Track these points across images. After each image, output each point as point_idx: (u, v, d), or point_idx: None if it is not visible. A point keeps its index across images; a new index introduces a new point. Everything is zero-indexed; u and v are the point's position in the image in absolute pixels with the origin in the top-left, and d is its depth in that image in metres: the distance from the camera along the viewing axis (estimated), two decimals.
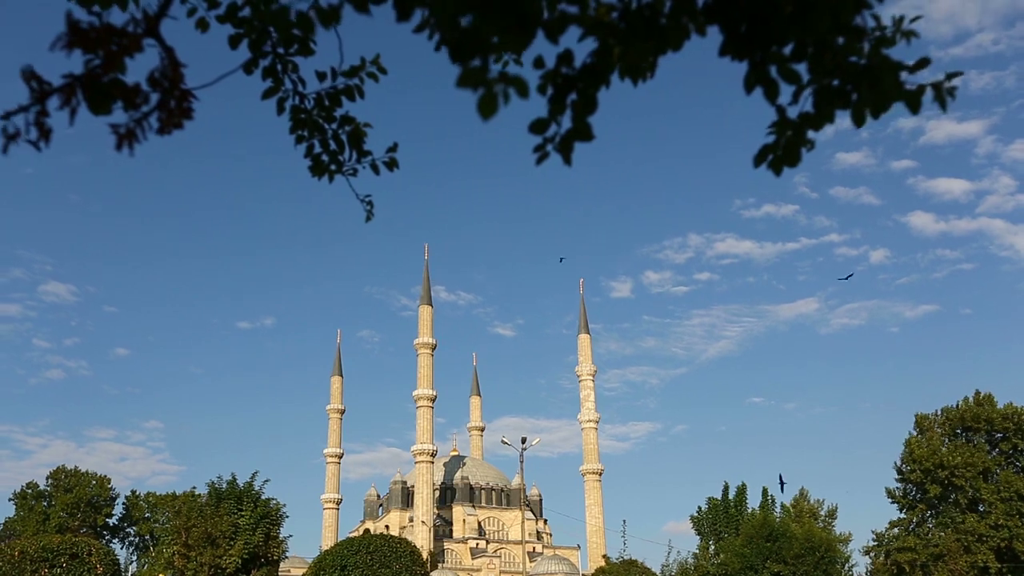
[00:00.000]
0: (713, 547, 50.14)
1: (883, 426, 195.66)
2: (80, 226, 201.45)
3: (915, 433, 63.10)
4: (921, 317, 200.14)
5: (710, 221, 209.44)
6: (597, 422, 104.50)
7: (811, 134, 2.99)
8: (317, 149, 3.77)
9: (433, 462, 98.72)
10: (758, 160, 3.02)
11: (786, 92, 2.83)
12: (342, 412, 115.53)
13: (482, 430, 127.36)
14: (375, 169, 3.79)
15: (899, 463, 61.69)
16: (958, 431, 61.89)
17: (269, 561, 35.92)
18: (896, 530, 60.22)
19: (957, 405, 62.62)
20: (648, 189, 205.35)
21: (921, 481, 60.13)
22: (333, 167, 3.81)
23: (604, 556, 50.09)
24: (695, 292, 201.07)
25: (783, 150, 2.94)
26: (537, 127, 2.65)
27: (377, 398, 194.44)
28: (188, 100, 2.47)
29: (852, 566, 50.05)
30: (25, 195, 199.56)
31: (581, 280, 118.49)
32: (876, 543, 60.81)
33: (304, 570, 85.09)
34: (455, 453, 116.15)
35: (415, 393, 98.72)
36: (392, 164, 3.79)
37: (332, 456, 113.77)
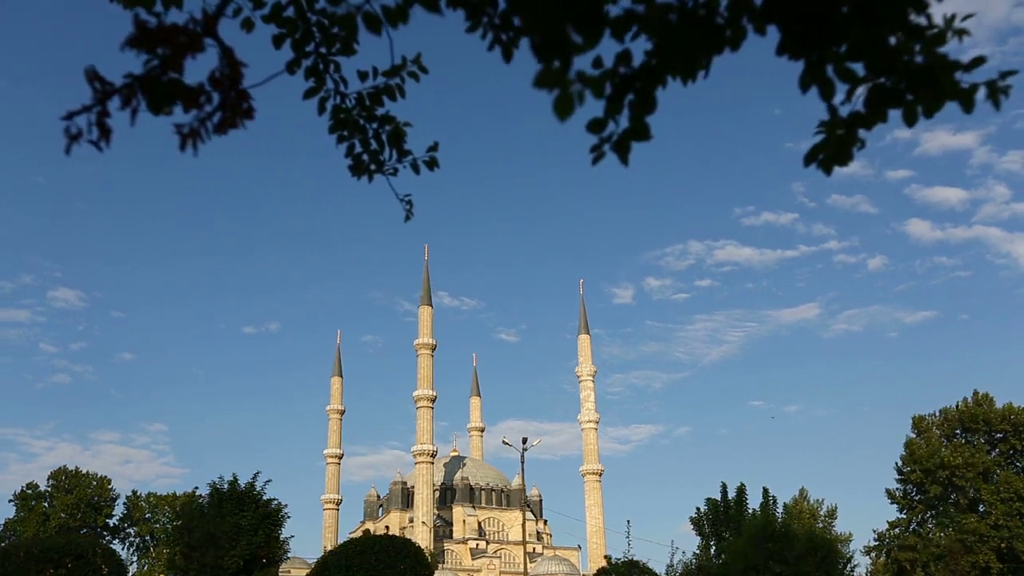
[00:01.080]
0: (714, 547, 50.15)
1: (882, 427, 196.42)
2: (88, 233, 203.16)
3: (914, 435, 63.19)
4: (920, 322, 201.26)
5: (710, 228, 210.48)
6: (597, 422, 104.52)
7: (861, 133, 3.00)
8: (358, 149, 3.78)
9: (433, 463, 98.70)
10: (808, 159, 3.02)
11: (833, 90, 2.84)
12: (342, 413, 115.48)
13: (482, 431, 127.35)
14: (415, 168, 3.80)
15: (899, 463, 61.75)
16: (957, 432, 61.97)
17: (270, 562, 35.89)
18: (897, 530, 60.28)
19: (956, 406, 62.68)
20: (649, 196, 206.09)
21: (921, 481, 60.21)
22: (373, 167, 3.81)
23: (606, 557, 50.03)
24: (696, 298, 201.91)
25: (834, 149, 2.95)
26: (595, 126, 2.65)
27: (382, 401, 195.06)
28: (248, 100, 2.48)
29: (855, 567, 50.09)
30: (36, 203, 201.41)
31: (581, 281, 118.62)
32: (877, 543, 60.86)
33: (305, 571, 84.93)
34: (455, 454, 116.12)
35: (415, 394, 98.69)
36: (432, 163, 3.80)
37: (332, 457, 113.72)
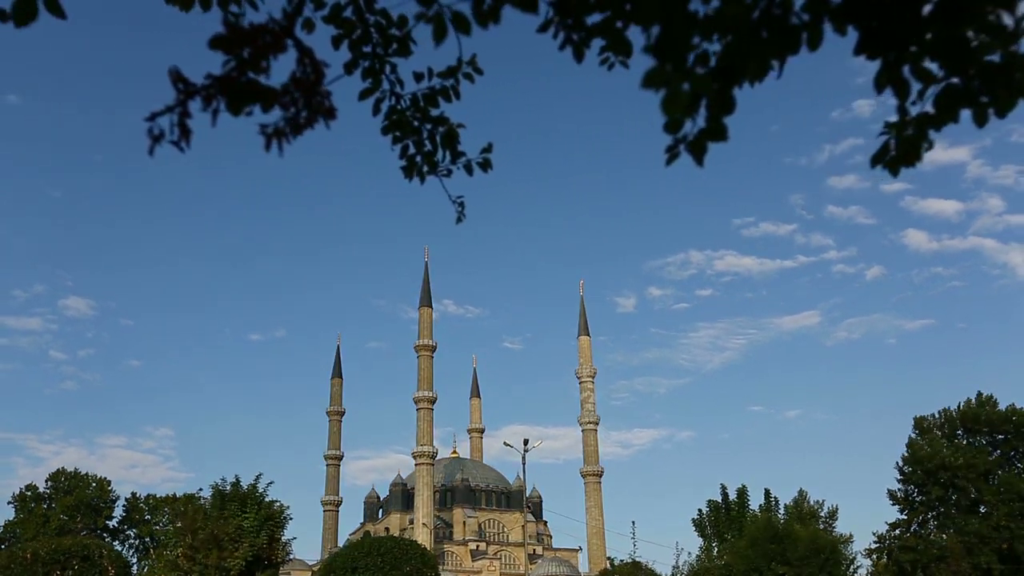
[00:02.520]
0: (716, 549, 50.16)
1: (883, 430, 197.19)
2: (100, 243, 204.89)
3: (915, 436, 63.25)
4: (919, 330, 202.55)
5: (710, 239, 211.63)
6: (597, 424, 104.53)
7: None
8: (411, 150, 3.78)
9: (433, 464, 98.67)
10: (876, 160, 3.03)
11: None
12: (342, 414, 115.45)
13: (482, 432, 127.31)
14: (468, 170, 3.80)
15: (900, 464, 61.80)
16: (959, 433, 62.02)
17: (272, 563, 35.87)
18: (898, 531, 60.32)
19: (959, 407, 62.73)
20: (650, 207, 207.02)
21: (923, 482, 60.25)
22: (426, 168, 3.81)
23: (609, 559, 50.04)
24: (698, 307, 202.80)
25: (903, 150, 2.95)
26: (671, 127, 2.66)
27: (386, 405, 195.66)
28: (329, 99, 2.48)
29: (857, 568, 50.11)
30: (51, 216, 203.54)
31: (581, 282, 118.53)
32: (877, 544, 60.91)
33: (306, 573, 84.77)
34: (455, 455, 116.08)
35: (415, 395, 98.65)
36: (486, 164, 3.80)
37: (331, 458, 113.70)
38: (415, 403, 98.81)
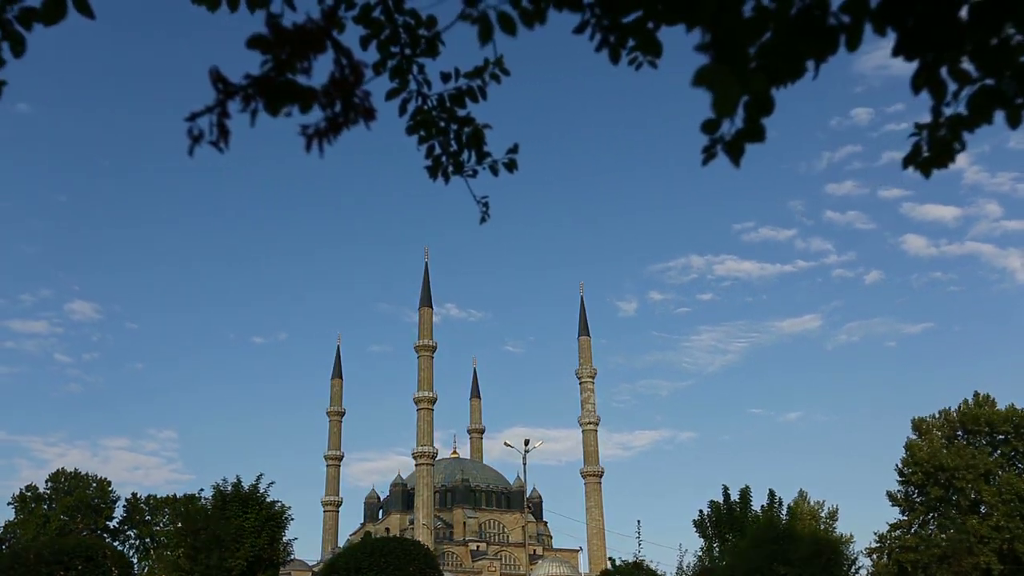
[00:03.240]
0: (717, 549, 50.17)
1: (883, 431, 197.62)
2: (106, 247, 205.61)
3: (914, 436, 63.26)
4: (918, 333, 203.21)
5: (711, 243, 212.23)
6: (597, 424, 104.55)
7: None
8: (437, 151, 3.78)
9: (433, 464, 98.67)
10: (908, 161, 3.03)
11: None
12: (342, 415, 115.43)
13: (482, 432, 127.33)
14: (494, 171, 3.80)
15: (900, 465, 61.82)
16: (958, 433, 62.03)
17: (273, 564, 35.87)
18: (898, 532, 60.35)
19: (958, 408, 62.75)
20: (651, 212, 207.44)
21: (922, 483, 60.27)
22: (451, 168, 3.81)
23: (610, 559, 50.01)
24: (699, 311, 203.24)
25: (936, 151, 2.95)
26: (708, 127, 2.66)
27: (389, 407, 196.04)
28: (368, 99, 2.48)
29: (859, 568, 50.16)
30: (58, 220, 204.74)
31: (581, 283, 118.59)
32: (878, 544, 60.92)
33: (307, 574, 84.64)
34: (455, 456, 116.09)
35: (415, 395, 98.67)
36: (512, 165, 3.79)
37: (332, 459, 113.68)
38: (415, 403, 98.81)
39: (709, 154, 2.73)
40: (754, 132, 2.64)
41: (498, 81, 3.67)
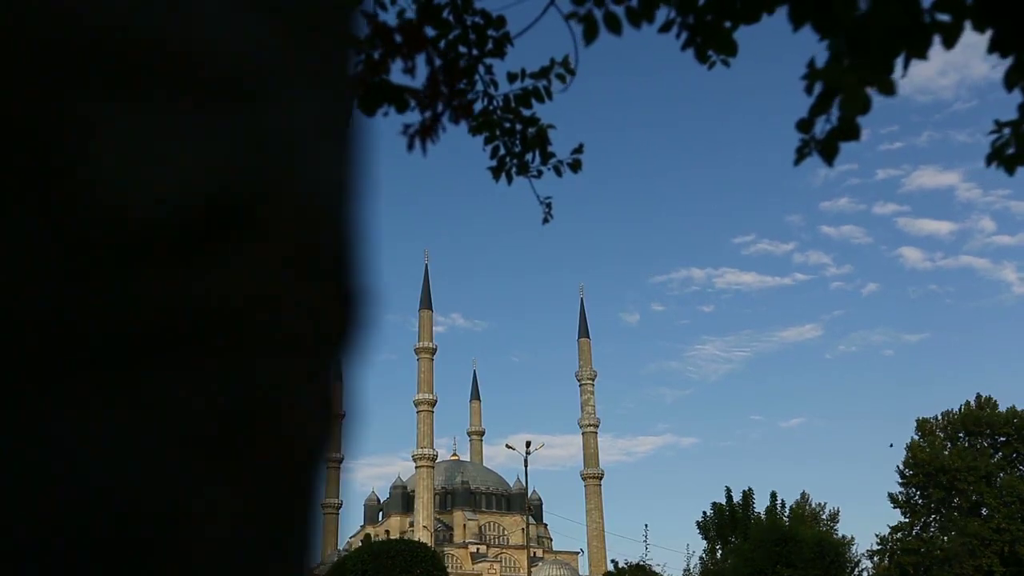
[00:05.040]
0: (720, 551, 50.16)
1: (882, 434, 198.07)
2: None
3: (916, 438, 63.23)
4: (917, 342, 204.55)
5: (711, 256, 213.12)
6: (597, 426, 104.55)
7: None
8: (502, 151, 3.76)
9: (433, 467, 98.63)
10: (991, 159, 3.02)
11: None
12: (342, 416, 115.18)
13: (482, 435, 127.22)
14: (558, 171, 3.78)
15: (901, 467, 61.79)
16: (960, 435, 62.02)
17: None
18: (900, 534, 60.32)
19: (960, 409, 62.75)
20: (652, 225, 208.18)
21: (924, 485, 60.26)
22: (515, 169, 3.79)
23: (613, 561, 49.96)
24: (701, 322, 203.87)
25: (1021, 148, 2.94)
26: (802, 126, 2.64)
27: (388, 411, 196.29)
28: (465, 98, 2.46)
29: (861, 571, 50.13)
30: None
31: (581, 285, 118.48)
32: (880, 546, 60.89)
33: None
34: (455, 458, 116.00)
35: (415, 398, 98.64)
36: (576, 165, 3.78)
37: (332, 461, 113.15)
38: (415, 406, 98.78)
39: (801, 154, 2.71)
40: (849, 130, 2.63)
41: (563, 81, 3.66)
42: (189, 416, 0.21)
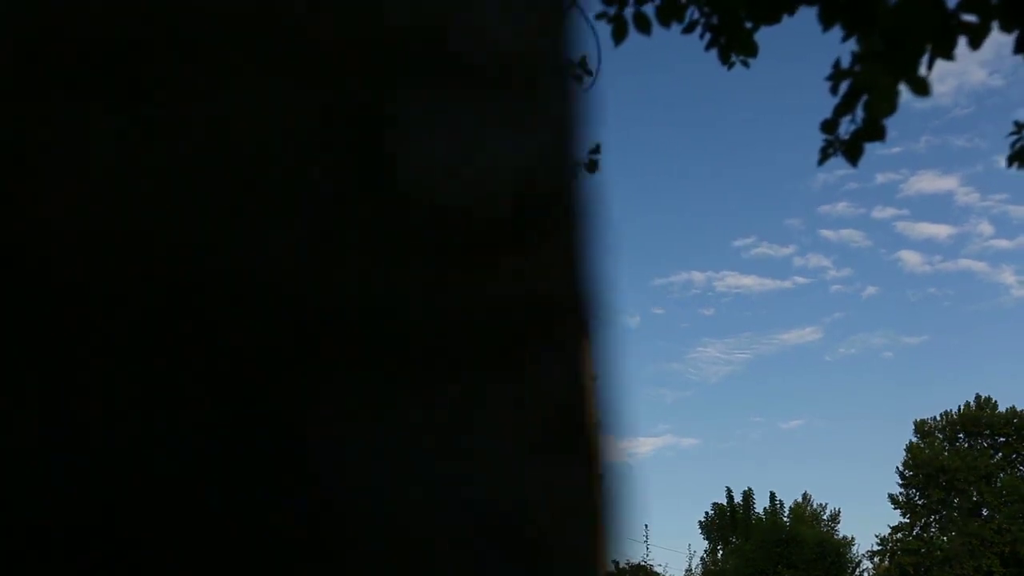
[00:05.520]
0: (721, 552, 50.17)
1: (882, 435, 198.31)
2: None
3: (915, 439, 63.32)
4: (917, 345, 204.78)
5: (712, 260, 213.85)
6: None
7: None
8: None
9: None
10: (1012, 160, 3.02)
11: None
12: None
13: None
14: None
15: (901, 468, 61.86)
16: (960, 436, 62.09)
17: None
18: (900, 534, 60.38)
19: (959, 410, 62.82)
20: (655, 229, 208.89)
21: (924, 486, 60.33)
22: None
23: (615, 562, 49.91)
24: (702, 325, 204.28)
25: None
26: (827, 127, 2.64)
27: None
28: None
29: (863, 571, 50.15)
30: None
31: None
32: (880, 547, 60.95)
33: None
34: None
35: None
36: (592, 167, 3.77)
37: None
38: None
39: (825, 155, 2.71)
40: (874, 131, 2.63)
41: (579, 81, 3.65)
42: (531, 413, 0.21)
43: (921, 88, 2.31)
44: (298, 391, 0.18)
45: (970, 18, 2.59)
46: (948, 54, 2.59)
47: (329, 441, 0.18)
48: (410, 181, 0.20)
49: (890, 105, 2.30)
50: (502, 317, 0.20)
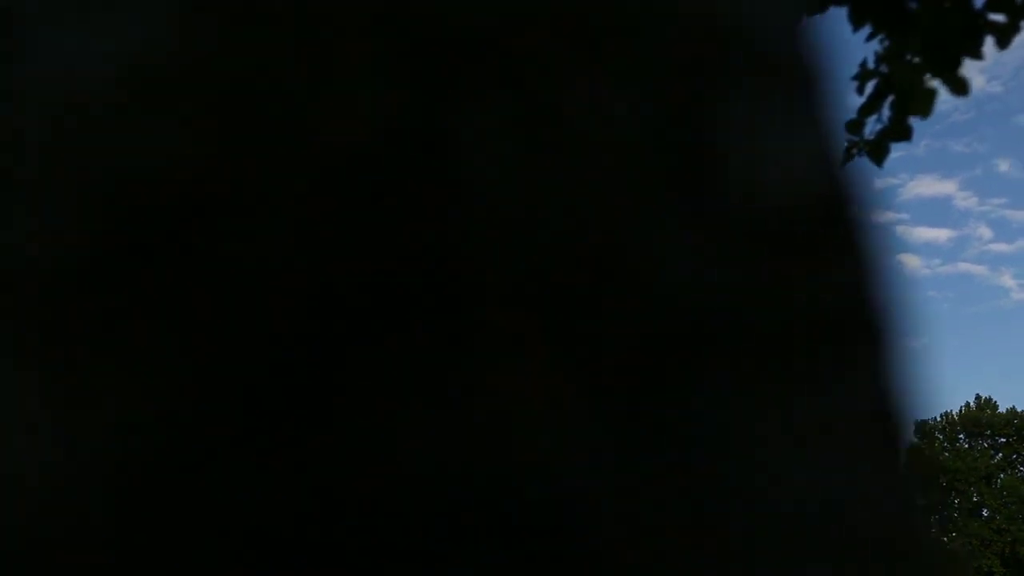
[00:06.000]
0: None
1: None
2: None
3: (916, 440, 63.53)
4: (916, 347, 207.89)
5: None
6: None
7: None
8: None
9: None
10: None
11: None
12: None
13: None
14: None
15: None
16: (960, 436, 62.25)
17: None
18: None
19: (960, 410, 62.98)
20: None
21: (923, 486, 60.47)
22: None
23: None
24: None
25: None
26: (851, 127, 2.62)
27: None
28: None
29: None
30: None
31: None
32: None
33: None
34: None
35: None
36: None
37: None
38: None
39: (849, 155, 2.69)
40: (902, 131, 2.61)
41: None
42: (862, 412, 0.20)
43: (960, 88, 2.30)
44: (692, 386, 0.18)
45: (998, 17, 2.58)
46: (977, 53, 2.58)
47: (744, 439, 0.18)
48: (739, 182, 0.19)
49: (929, 105, 2.28)
50: (821, 319, 0.19)
